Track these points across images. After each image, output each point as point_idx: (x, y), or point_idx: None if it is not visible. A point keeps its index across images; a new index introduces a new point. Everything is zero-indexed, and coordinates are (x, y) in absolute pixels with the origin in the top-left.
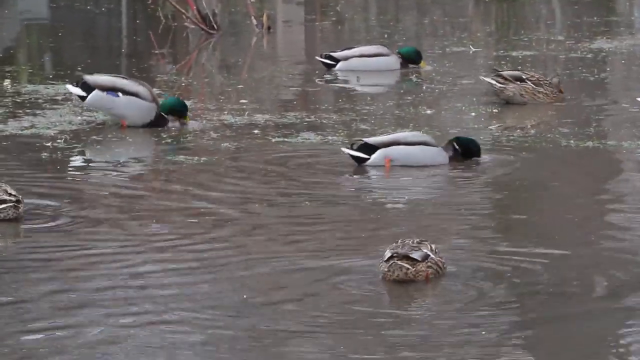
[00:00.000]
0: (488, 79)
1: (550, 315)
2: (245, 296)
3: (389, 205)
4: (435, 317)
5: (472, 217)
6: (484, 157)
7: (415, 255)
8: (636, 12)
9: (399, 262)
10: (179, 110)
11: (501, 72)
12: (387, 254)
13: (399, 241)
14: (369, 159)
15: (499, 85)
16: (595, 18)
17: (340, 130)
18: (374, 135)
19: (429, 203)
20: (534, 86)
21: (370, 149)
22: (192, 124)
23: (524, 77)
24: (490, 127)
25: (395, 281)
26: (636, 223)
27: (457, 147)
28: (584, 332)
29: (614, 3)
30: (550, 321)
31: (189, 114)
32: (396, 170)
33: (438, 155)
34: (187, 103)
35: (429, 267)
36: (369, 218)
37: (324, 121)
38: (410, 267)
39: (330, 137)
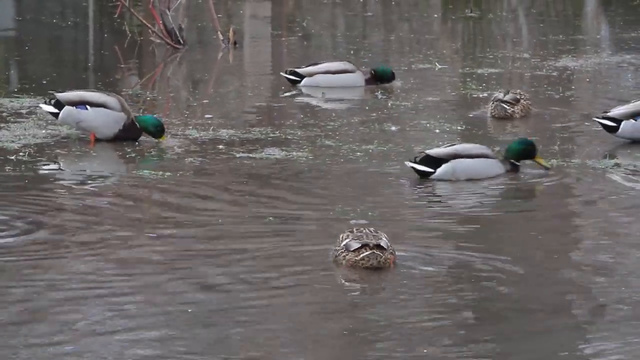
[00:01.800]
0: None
1: (511, 331)
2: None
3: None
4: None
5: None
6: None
7: (383, 243)
8: (603, 30)
9: (376, 252)
10: (152, 132)
11: (505, 99)
12: (354, 244)
13: (355, 230)
14: (434, 172)
15: (510, 109)
16: (561, 36)
17: (304, 146)
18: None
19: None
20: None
21: (433, 161)
22: (168, 142)
23: (518, 97)
24: (454, 144)
25: (366, 268)
26: (601, 241)
27: (509, 158)
28: (544, 348)
29: (580, 22)
30: (511, 338)
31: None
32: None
33: (497, 167)
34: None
35: (391, 253)
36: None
37: (289, 137)
38: (382, 254)
39: (294, 153)
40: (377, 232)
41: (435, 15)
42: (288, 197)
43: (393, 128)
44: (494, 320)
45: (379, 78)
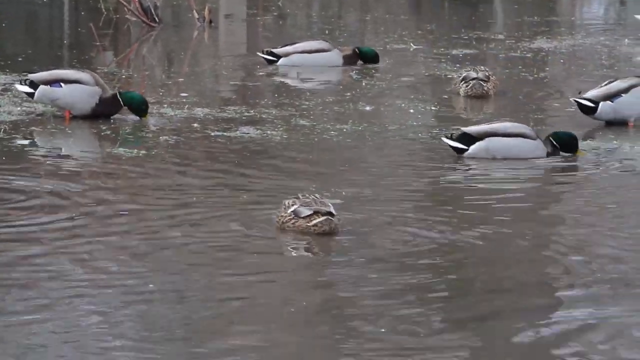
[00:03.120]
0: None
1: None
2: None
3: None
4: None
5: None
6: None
7: (333, 210)
8: (578, 12)
9: (330, 218)
10: (137, 109)
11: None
12: (305, 210)
13: (301, 196)
14: (467, 149)
15: (486, 86)
16: (536, 18)
17: (279, 125)
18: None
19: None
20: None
21: (469, 139)
22: (150, 121)
23: (488, 74)
24: (429, 123)
25: (318, 234)
26: (570, 220)
27: (554, 142)
28: (512, 328)
29: (555, 4)
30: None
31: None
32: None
33: (536, 148)
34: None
35: (338, 220)
36: None
37: (264, 116)
38: (334, 220)
39: (269, 132)
40: (323, 199)
41: None
42: (261, 175)
43: (367, 108)
44: (464, 296)
45: (363, 58)
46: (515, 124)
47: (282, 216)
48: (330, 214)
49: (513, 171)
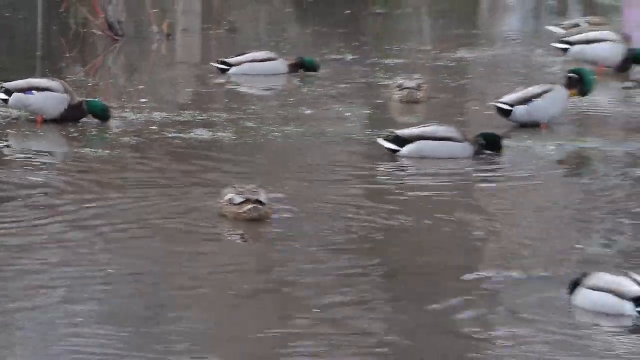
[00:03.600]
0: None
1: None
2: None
3: None
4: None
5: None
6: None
7: (263, 199)
8: (497, 25)
9: (258, 206)
10: (100, 116)
11: (409, 87)
12: (238, 198)
13: (237, 186)
14: (400, 150)
15: (418, 94)
16: (459, 31)
17: (229, 127)
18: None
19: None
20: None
21: (402, 141)
22: (113, 124)
23: (420, 83)
24: (364, 125)
25: (248, 220)
26: (488, 211)
27: (482, 141)
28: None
29: (476, 18)
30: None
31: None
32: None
33: (463, 149)
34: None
35: (270, 208)
36: None
37: (215, 119)
38: (262, 208)
39: (220, 133)
40: (257, 190)
41: (347, 12)
42: (213, 171)
43: (308, 111)
44: (390, 279)
45: (306, 67)
46: (444, 127)
47: (220, 203)
48: (259, 202)
49: (440, 169)
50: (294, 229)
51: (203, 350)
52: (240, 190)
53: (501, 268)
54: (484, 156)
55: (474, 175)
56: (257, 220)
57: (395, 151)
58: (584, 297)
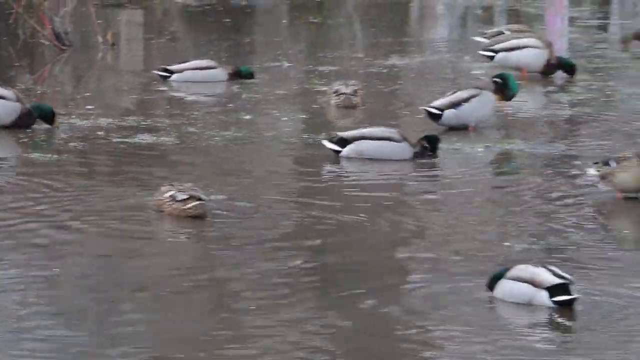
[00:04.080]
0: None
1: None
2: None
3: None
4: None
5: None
6: None
7: (204, 196)
8: (425, 33)
9: (199, 202)
10: (46, 118)
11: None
12: (181, 195)
13: (175, 184)
14: (342, 151)
15: (355, 99)
16: (390, 39)
17: (171, 132)
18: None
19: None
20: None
21: (344, 142)
22: (61, 130)
23: (356, 89)
24: (301, 129)
25: (191, 217)
26: (425, 209)
27: (426, 143)
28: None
29: (406, 26)
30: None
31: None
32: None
33: (402, 150)
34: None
35: (212, 205)
36: None
37: (158, 124)
38: (206, 205)
39: (163, 138)
40: (195, 187)
41: (283, 21)
42: (156, 174)
43: (247, 117)
44: (328, 276)
45: (242, 75)
46: (384, 128)
47: (159, 200)
48: (200, 198)
49: (378, 169)
50: (233, 228)
51: (145, 350)
52: (180, 187)
53: (431, 266)
54: (422, 157)
55: (409, 175)
56: (200, 216)
57: (338, 152)
58: (503, 288)
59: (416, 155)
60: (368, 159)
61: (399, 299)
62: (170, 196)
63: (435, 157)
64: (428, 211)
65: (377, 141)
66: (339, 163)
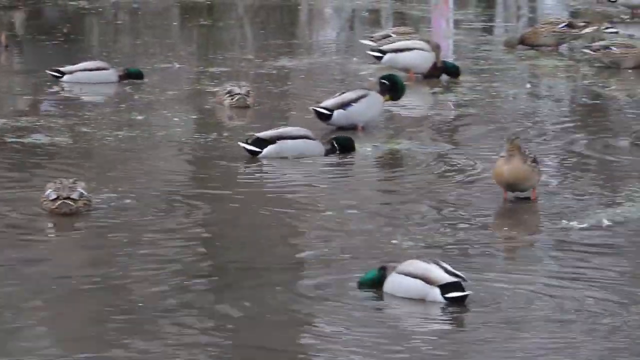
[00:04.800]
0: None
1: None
2: None
3: None
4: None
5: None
6: None
7: (75, 195)
8: (314, 36)
9: (66, 202)
10: None
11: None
12: (52, 194)
13: (58, 181)
14: (261, 152)
15: (248, 100)
16: (279, 41)
17: (65, 132)
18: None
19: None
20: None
21: (262, 142)
22: None
23: (249, 90)
24: (192, 129)
25: (62, 214)
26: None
27: (335, 144)
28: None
29: (295, 28)
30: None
31: None
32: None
33: (317, 147)
34: None
35: (84, 204)
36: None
37: (52, 124)
38: (73, 204)
39: (56, 138)
40: (75, 184)
41: (175, 23)
42: (49, 174)
43: (139, 117)
44: (221, 273)
45: (131, 76)
46: (298, 127)
47: (41, 198)
48: (69, 198)
49: (275, 167)
50: (122, 226)
51: (32, 350)
52: (59, 185)
53: (317, 263)
54: (332, 154)
55: (300, 172)
56: (69, 214)
57: (256, 152)
58: (394, 283)
59: (327, 153)
60: (287, 157)
61: (283, 295)
62: (46, 195)
63: (344, 155)
64: (316, 208)
65: (296, 140)
66: (233, 161)
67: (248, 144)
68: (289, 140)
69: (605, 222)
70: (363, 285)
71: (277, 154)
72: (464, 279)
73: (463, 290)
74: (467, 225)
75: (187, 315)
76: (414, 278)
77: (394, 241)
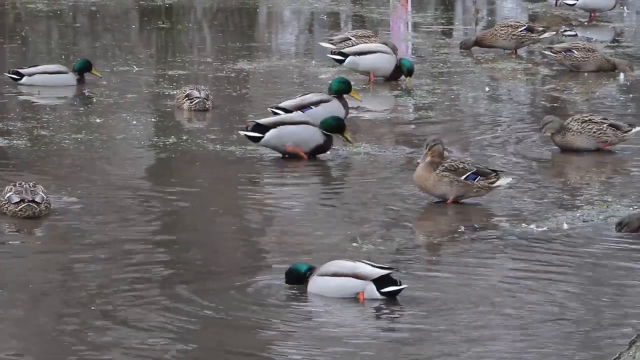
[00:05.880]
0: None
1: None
2: None
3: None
4: None
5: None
6: None
7: (38, 198)
8: (273, 39)
9: (31, 204)
10: None
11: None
12: (15, 197)
13: (17, 184)
14: (262, 137)
15: (208, 103)
16: (238, 44)
17: (24, 136)
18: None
19: None
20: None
21: (262, 128)
22: None
23: (207, 93)
24: (151, 132)
25: (25, 217)
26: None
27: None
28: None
29: (254, 32)
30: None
31: None
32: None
33: (317, 133)
34: None
35: (46, 207)
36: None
37: (10, 128)
38: (37, 207)
39: (15, 142)
40: (35, 187)
41: (133, 26)
42: (6, 177)
43: (98, 120)
44: (179, 275)
45: (83, 71)
46: (298, 113)
47: (1, 201)
48: (33, 201)
49: (231, 168)
50: (81, 228)
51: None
52: (19, 188)
53: (271, 266)
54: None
55: (259, 175)
56: (32, 217)
57: (257, 138)
58: (321, 284)
59: (325, 142)
60: (287, 144)
61: (238, 296)
62: (7, 198)
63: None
64: (276, 212)
65: (297, 125)
66: (192, 164)
67: (248, 130)
68: (290, 126)
69: (565, 226)
70: (292, 273)
71: (278, 140)
72: (394, 270)
73: (397, 284)
74: (425, 228)
75: (145, 319)
76: (344, 277)
77: (354, 244)
